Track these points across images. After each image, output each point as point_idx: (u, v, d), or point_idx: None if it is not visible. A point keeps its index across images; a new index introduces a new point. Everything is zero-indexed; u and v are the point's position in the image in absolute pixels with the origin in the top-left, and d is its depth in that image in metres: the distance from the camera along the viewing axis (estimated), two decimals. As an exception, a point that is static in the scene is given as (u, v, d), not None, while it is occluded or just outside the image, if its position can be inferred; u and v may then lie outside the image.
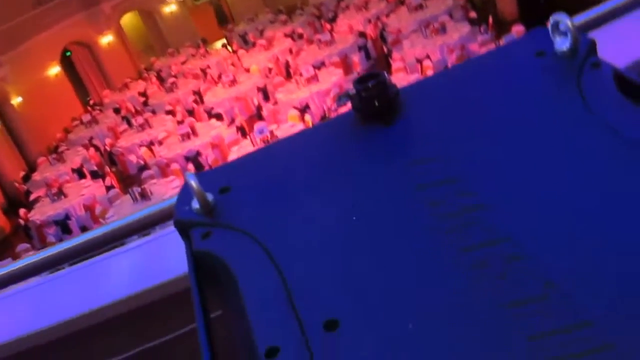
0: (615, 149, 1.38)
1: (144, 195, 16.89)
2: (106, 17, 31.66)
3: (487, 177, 1.44)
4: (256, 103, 21.63)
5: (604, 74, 1.56)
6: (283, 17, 29.94)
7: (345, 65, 22.16)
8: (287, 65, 23.84)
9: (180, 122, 21.87)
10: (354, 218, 1.44)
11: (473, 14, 21.46)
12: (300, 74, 20.92)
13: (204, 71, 26.59)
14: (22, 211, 20.43)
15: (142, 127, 22.66)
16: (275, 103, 20.75)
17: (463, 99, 1.73)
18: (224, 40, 32.26)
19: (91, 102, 30.90)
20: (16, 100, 27.39)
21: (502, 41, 17.19)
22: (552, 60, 1.66)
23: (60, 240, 15.23)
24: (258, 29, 29.57)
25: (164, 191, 16.94)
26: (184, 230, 1.64)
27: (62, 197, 19.64)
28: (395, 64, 19.83)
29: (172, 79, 26.64)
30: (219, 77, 24.54)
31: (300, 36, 26.42)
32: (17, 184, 24.14)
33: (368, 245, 1.39)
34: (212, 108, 22.05)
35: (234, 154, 17.76)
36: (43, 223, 19.20)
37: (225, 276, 1.45)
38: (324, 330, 1.21)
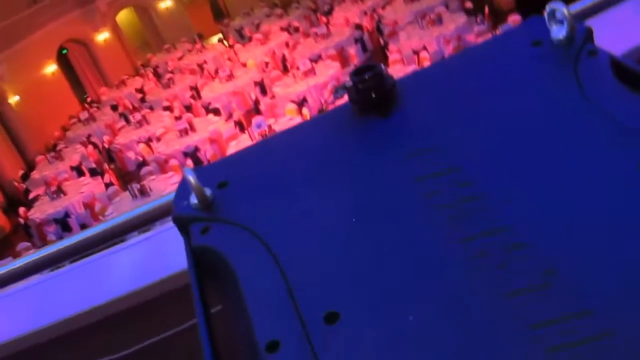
0: (614, 136, 1.37)
1: (143, 192, 16.87)
2: (102, 14, 31.62)
3: (485, 167, 1.44)
4: (253, 97, 21.61)
5: (601, 62, 1.56)
6: (279, 10, 29.87)
7: (342, 58, 22.12)
8: (284, 59, 23.81)
9: (178, 118, 21.85)
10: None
11: (469, 4, 21.39)
12: (297, 68, 20.89)
13: (200, 66, 26.55)
14: (21, 210, 20.41)
15: (139, 123, 22.64)
16: (273, 97, 20.73)
17: (460, 89, 1.73)
18: (220, 35, 32.24)
19: (88, 99, 30.89)
20: (13, 99, 27.36)
21: (499, 31, 17.16)
22: (548, 49, 1.66)
23: (61, 238, 15.22)
24: (254, 23, 29.51)
25: (163, 187, 16.92)
26: (182, 226, 1.64)
27: (62, 195, 19.62)
28: (392, 56, 19.80)
29: (169, 75, 26.60)
30: (216, 72, 24.49)
31: (297, 30, 26.37)
32: (16, 183, 24.14)
33: (367, 237, 1.39)
34: (210, 103, 22.02)
35: (232, 149, 17.74)
36: (43, 221, 19.19)
37: (225, 271, 1.45)
38: (324, 323, 1.21)
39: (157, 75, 28.37)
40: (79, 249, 3.49)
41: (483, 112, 1.61)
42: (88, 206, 19.15)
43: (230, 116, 20.69)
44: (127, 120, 23.85)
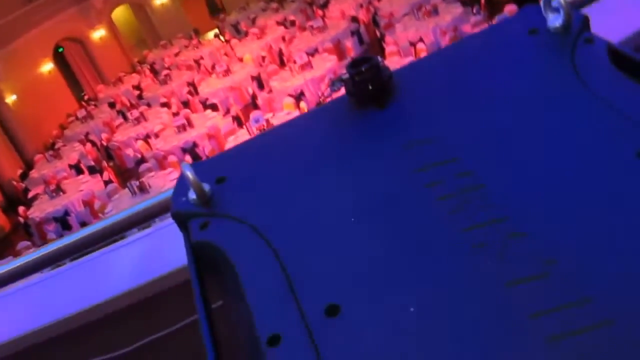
0: (611, 123, 1.37)
1: (143, 189, 16.86)
2: (97, 11, 31.57)
3: (483, 157, 1.44)
4: (251, 92, 21.58)
5: (598, 49, 1.56)
6: (274, 5, 29.79)
7: (339, 51, 22.09)
8: (281, 53, 23.77)
9: (175, 114, 21.82)
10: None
11: (465, -5, 21.38)
12: (294, 62, 20.84)
13: (197, 62, 26.50)
14: (21, 209, 20.41)
15: (137, 120, 22.61)
16: (270, 91, 20.70)
17: (457, 79, 1.73)
18: (216, 31, 32.14)
19: (85, 97, 30.84)
20: (10, 99, 27.32)
21: (495, 21, 17.14)
22: (545, 38, 1.66)
23: (61, 236, 15.21)
24: (250, 17, 29.46)
25: (162, 184, 16.92)
26: (181, 222, 1.64)
27: (61, 193, 19.61)
28: (389, 48, 19.77)
29: (165, 71, 26.56)
30: (213, 67, 24.45)
31: (293, 23, 26.32)
32: (14, 182, 24.12)
33: (367, 229, 1.39)
34: (207, 99, 21.99)
35: (230, 144, 17.71)
36: (42, 220, 19.18)
37: (225, 266, 1.45)
38: (325, 316, 1.21)
39: (154, 72, 28.33)
40: (79, 247, 3.48)
41: (480, 102, 1.61)
42: (87, 204, 19.14)
43: (227, 111, 20.67)
44: (125, 118, 23.82)
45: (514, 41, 1.76)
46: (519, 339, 1.07)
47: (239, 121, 19.53)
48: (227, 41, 28.28)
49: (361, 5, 25.06)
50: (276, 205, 1.55)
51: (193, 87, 24.07)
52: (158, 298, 3.55)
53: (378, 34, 22.41)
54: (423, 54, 18.16)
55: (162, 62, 28.94)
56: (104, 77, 31.27)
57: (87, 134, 24.50)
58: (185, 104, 22.90)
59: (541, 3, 1.67)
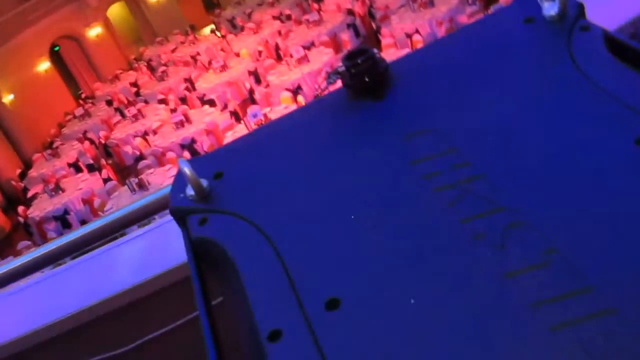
0: (609, 110, 1.37)
1: (142, 186, 16.88)
2: (93, 9, 31.49)
3: (481, 147, 1.43)
4: (248, 87, 21.56)
5: (594, 37, 1.55)
6: (270, -1, 29.79)
7: (335, 44, 22.07)
8: (277, 48, 23.74)
9: (173, 111, 21.81)
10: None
11: (460, -15, 21.32)
12: (291, 56, 20.83)
13: (194, 58, 26.46)
14: (20, 209, 20.42)
15: (135, 117, 22.61)
16: (267, 86, 20.69)
17: (453, 70, 1.72)
18: (212, 26, 32.09)
19: (83, 95, 30.81)
20: (7, 98, 27.31)
21: (491, 11, 17.11)
22: (541, 26, 1.65)
23: (61, 235, 15.24)
24: (246, 12, 29.38)
25: (161, 180, 16.93)
26: (180, 218, 1.64)
27: (60, 192, 19.62)
28: (385, 40, 19.75)
29: (162, 68, 26.54)
30: (210, 63, 24.42)
31: (289, 17, 26.28)
32: (13, 182, 24.12)
33: (365, 222, 1.39)
34: (205, 95, 21.98)
35: (228, 139, 17.66)
36: (42, 219, 19.19)
37: (225, 261, 1.44)
38: (325, 310, 1.21)
39: (151, 69, 28.30)
40: (79, 245, 3.48)
41: (477, 91, 1.60)
42: (87, 202, 19.15)
43: (225, 107, 20.67)
44: (123, 115, 23.82)
45: (509, 30, 1.75)
46: (520, 328, 1.06)
47: (236, 116, 19.53)
48: (223, 36, 28.23)
49: (356, -2, 25.03)
50: (275, 199, 1.55)
51: (190, 83, 24.05)
52: (160, 295, 3.55)
53: (374, 26, 22.39)
54: (419, 46, 18.13)
55: (158, 58, 28.89)
56: (101, 74, 31.22)
57: (85, 132, 24.49)
58: (183, 100, 22.89)
59: (537, -9, 1.66)
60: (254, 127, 17.27)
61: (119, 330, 3.70)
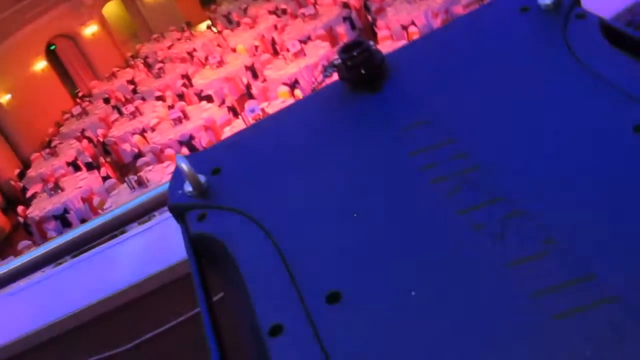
0: (607, 98, 1.36)
1: (141, 183, 16.88)
2: (88, 7, 31.45)
3: (479, 137, 1.43)
4: (245, 82, 21.53)
5: (590, 24, 1.55)
6: (265, -7, 29.72)
7: (331, 37, 22.04)
8: (274, 42, 23.71)
9: (171, 107, 21.78)
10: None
11: (456, -24, 21.29)
12: (287, 50, 20.80)
13: (190, 54, 26.43)
14: (20, 208, 20.41)
15: (133, 115, 22.59)
16: (265, 81, 20.67)
17: (450, 60, 1.72)
18: (208, 22, 32.01)
19: (80, 94, 30.75)
20: (4, 99, 27.28)
21: (486, 1, 17.08)
22: (536, 14, 1.65)
23: (61, 234, 15.22)
24: (241, 7, 29.34)
25: (161, 177, 16.92)
26: (179, 215, 1.63)
27: (59, 191, 19.61)
28: (381, 33, 19.73)
29: (159, 65, 26.50)
30: (206, 59, 24.39)
31: (284, 12, 26.24)
32: (12, 182, 24.11)
33: (364, 214, 1.38)
34: (202, 90, 21.96)
35: (227, 135, 17.69)
36: (42, 219, 19.18)
37: (225, 257, 1.44)
38: (326, 303, 1.20)
39: (148, 66, 28.26)
40: (80, 244, 3.48)
41: (474, 82, 1.60)
42: (86, 201, 19.15)
43: (223, 102, 20.64)
44: (120, 113, 23.80)
45: (505, 20, 1.75)
46: (522, 318, 1.06)
47: (234, 112, 19.51)
48: (219, 32, 28.19)
49: (352, -9, 24.99)
50: (273, 194, 1.55)
51: (187, 80, 24.02)
52: (161, 291, 3.55)
53: (370, 18, 22.35)
54: (416, 37, 18.10)
55: (155, 55, 28.86)
56: (98, 73, 31.17)
57: (83, 131, 24.46)
58: (180, 97, 22.86)
59: (532, -20, 1.66)
60: (251, 122, 17.26)
61: (121, 328, 3.70)
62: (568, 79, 1.46)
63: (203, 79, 22.78)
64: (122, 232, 4.01)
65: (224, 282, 1.53)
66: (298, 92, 18.42)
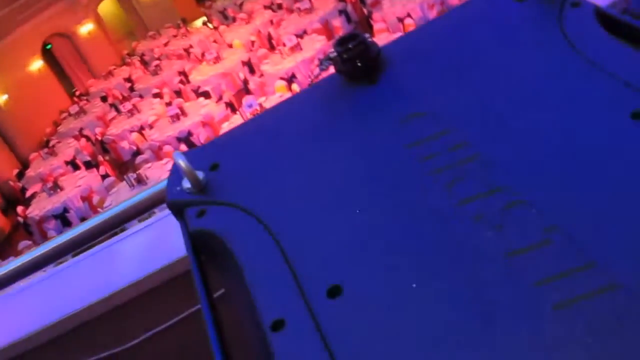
0: (604, 86, 1.36)
1: (140, 180, 16.87)
2: (83, 6, 31.41)
3: (477, 127, 1.43)
4: (242, 77, 21.51)
5: (585, 12, 1.55)
6: (260, -12, 29.67)
7: (328, 31, 22.01)
8: (270, 37, 23.69)
9: (168, 104, 21.75)
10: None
11: (451, -33, 21.26)
12: (284, 44, 20.77)
13: (187, 51, 26.39)
14: (20, 208, 20.39)
15: (130, 112, 22.56)
16: (262, 75, 20.65)
17: (446, 51, 1.71)
18: (204, 18, 31.99)
19: (77, 92, 30.70)
20: (1, 99, 27.25)
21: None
22: (532, 3, 1.65)
23: (61, 233, 15.21)
24: (237, 3, 29.28)
25: (160, 174, 16.90)
26: (178, 211, 1.63)
27: (59, 190, 19.59)
28: (377, 25, 19.70)
29: (156, 62, 26.44)
30: (203, 55, 24.34)
31: (280, 6, 26.20)
32: (11, 183, 24.09)
33: (364, 207, 1.38)
34: (199, 87, 21.93)
35: (225, 131, 17.65)
36: (42, 218, 19.17)
37: (225, 253, 1.44)
38: (327, 298, 1.20)
39: (144, 63, 28.22)
40: (80, 243, 3.47)
41: (471, 72, 1.60)
42: (86, 199, 19.13)
43: (220, 98, 20.62)
44: (118, 111, 23.76)
45: (500, 9, 1.75)
46: (524, 307, 1.06)
47: (232, 107, 19.50)
48: (215, 28, 28.14)
49: (347, -16, 24.94)
50: (272, 188, 1.54)
51: (184, 76, 23.99)
52: (163, 289, 3.54)
53: (365, 11, 22.33)
54: (411, 29, 18.07)
55: (151, 52, 28.81)
56: (94, 71, 31.14)
57: (81, 129, 24.43)
58: (178, 94, 22.83)
59: (527, -31, 1.65)
60: (249, 117, 17.24)
61: (122, 327, 3.70)
62: (564, 67, 1.46)
63: (200, 76, 22.75)
64: (122, 230, 4.00)
65: (224, 278, 1.53)
66: (295, 87, 18.40)
